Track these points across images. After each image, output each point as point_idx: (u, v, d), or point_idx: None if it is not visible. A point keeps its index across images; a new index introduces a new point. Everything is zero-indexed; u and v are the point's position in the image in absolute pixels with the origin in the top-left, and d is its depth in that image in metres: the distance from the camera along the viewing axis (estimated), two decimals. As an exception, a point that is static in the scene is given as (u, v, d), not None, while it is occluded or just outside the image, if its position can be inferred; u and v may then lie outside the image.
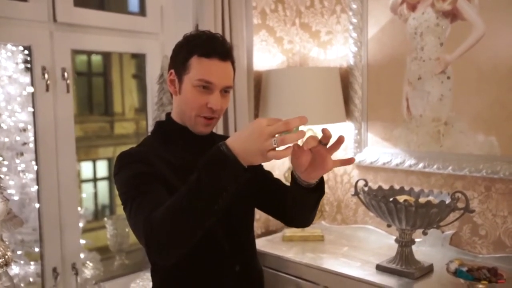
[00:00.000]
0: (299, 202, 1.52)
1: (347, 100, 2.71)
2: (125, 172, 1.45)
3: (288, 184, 1.60)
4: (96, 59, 4.51)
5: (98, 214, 4.28)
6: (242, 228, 1.65)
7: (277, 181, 1.74)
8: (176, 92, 1.58)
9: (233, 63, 1.58)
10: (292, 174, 1.45)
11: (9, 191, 2.41)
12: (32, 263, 2.54)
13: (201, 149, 1.59)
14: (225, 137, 1.82)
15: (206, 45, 1.51)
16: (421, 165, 2.41)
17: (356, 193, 2.22)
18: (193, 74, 1.51)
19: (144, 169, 1.44)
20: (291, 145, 1.23)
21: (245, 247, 1.66)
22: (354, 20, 2.65)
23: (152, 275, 1.64)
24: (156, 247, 1.26)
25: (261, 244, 2.50)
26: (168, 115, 1.66)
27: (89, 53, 4.12)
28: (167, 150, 1.56)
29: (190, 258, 1.41)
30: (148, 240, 1.25)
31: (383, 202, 2.03)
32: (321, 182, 1.45)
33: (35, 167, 2.22)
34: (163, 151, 1.55)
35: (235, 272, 1.58)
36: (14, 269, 2.38)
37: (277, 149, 1.17)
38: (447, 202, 2.00)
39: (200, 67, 1.50)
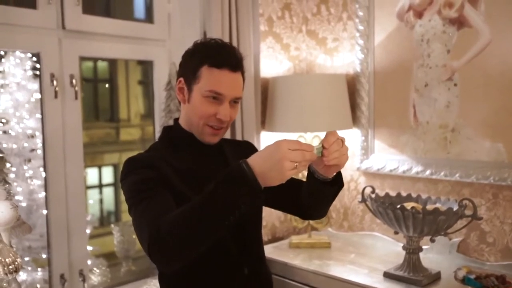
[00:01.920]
0: (317, 196, 1.54)
1: (354, 107, 2.71)
2: (132, 177, 1.46)
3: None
4: (102, 65, 4.53)
5: (104, 220, 4.29)
6: (250, 231, 1.65)
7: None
8: (185, 101, 1.57)
9: (243, 73, 1.58)
10: (309, 168, 1.47)
11: (16, 197, 2.43)
12: (39, 269, 2.55)
13: (209, 157, 1.60)
14: (233, 141, 1.82)
15: (217, 55, 1.50)
16: (428, 172, 2.41)
17: (363, 200, 2.22)
18: (203, 84, 1.50)
19: (151, 174, 1.45)
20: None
21: (253, 250, 1.65)
22: (361, 27, 2.66)
23: (160, 281, 1.64)
24: (158, 251, 1.26)
25: (268, 251, 2.48)
26: (176, 121, 1.65)
27: (95, 60, 4.14)
28: (174, 157, 1.56)
29: (198, 262, 1.41)
30: (151, 243, 1.25)
31: (390, 209, 2.03)
32: (339, 175, 1.48)
33: (43, 174, 2.23)
34: (170, 157, 1.54)
35: (244, 275, 1.58)
36: (22, 276, 2.39)
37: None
38: (454, 209, 1.99)
39: (210, 78, 1.50)
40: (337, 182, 1.49)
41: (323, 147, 1.32)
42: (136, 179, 1.45)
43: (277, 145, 1.20)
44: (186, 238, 1.24)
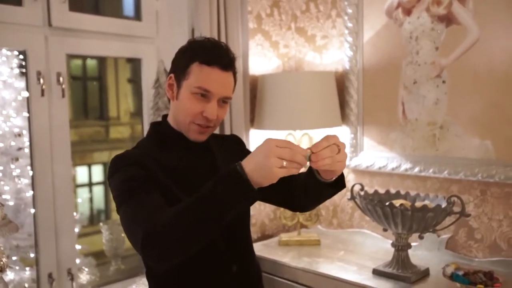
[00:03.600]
0: (315, 194, 1.54)
1: (343, 104, 2.71)
2: (119, 175, 1.45)
3: None
4: (91, 63, 4.50)
5: (94, 219, 4.27)
6: (238, 228, 1.64)
7: None
8: (174, 97, 1.56)
9: (234, 74, 1.57)
10: (310, 167, 1.46)
11: (4, 196, 2.40)
12: (27, 268, 2.53)
13: (196, 155, 1.59)
14: (221, 136, 1.81)
15: (208, 53, 1.49)
16: (417, 169, 2.42)
17: (352, 198, 2.22)
18: (192, 80, 1.49)
19: (138, 172, 1.44)
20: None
21: (242, 247, 1.65)
22: (350, 25, 2.66)
23: (147, 279, 1.63)
24: (152, 250, 1.26)
25: (257, 248, 2.47)
26: (165, 117, 1.64)
27: (84, 58, 4.12)
28: (162, 154, 1.55)
29: (185, 260, 1.41)
30: (145, 242, 1.25)
31: (379, 207, 2.03)
32: (341, 177, 1.45)
33: (30, 172, 2.21)
34: (158, 154, 1.54)
35: (232, 272, 1.57)
36: (9, 275, 2.37)
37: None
38: (443, 206, 2.00)
39: (199, 74, 1.49)
40: (338, 185, 1.46)
41: (311, 151, 1.27)
42: (123, 177, 1.44)
43: (265, 142, 1.21)
44: (181, 237, 1.25)
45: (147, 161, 1.48)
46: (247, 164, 1.22)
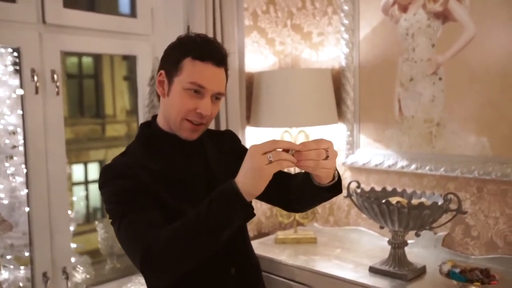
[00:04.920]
0: (310, 198, 1.52)
1: (339, 101, 2.70)
2: (109, 188, 1.42)
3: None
4: (87, 61, 4.50)
5: (90, 216, 4.26)
6: (236, 230, 1.62)
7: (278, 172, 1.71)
8: (164, 94, 1.51)
9: (226, 70, 1.54)
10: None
11: (-2, 195, 2.39)
12: (22, 267, 2.52)
13: (188, 155, 1.56)
14: (215, 133, 1.78)
15: (201, 48, 1.46)
16: (413, 166, 2.41)
17: (349, 195, 2.22)
18: (185, 76, 1.45)
19: (129, 185, 1.40)
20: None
21: (240, 248, 1.62)
22: (346, 21, 2.65)
23: (146, 283, 1.61)
24: (151, 267, 1.26)
25: (254, 247, 2.44)
26: (154, 118, 1.60)
27: (80, 55, 4.10)
28: (152, 159, 1.50)
29: None
30: (144, 260, 1.25)
31: (376, 204, 2.02)
32: (338, 181, 1.42)
33: (25, 171, 2.19)
34: (148, 160, 1.49)
35: (231, 275, 1.55)
36: (4, 274, 2.36)
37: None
38: (439, 203, 2.00)
39: (193, 70, 1.45)
40: (334, 189, 1.43)
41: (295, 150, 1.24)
42: (113, 190, 1.42)
43: (249, 149, 1.22)
44: (180, 254, 1.25)
45: (135, 170, 1.44)
46: (238, 176, 1.21)
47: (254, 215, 1.25)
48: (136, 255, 1.27)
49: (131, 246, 1.33)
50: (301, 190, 1.53)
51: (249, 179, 1.19)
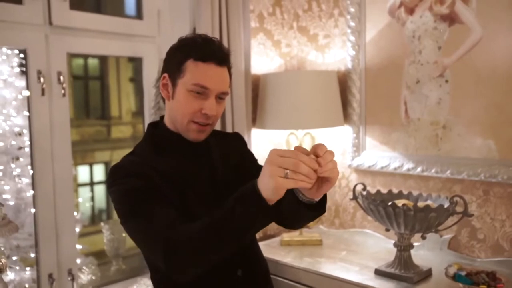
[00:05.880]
0: (296, 216, 1.45)
1: (345, 104, 2.70)
2: (120, 187, 1.42)
3: None
4: (93, 62, 4.50)
5: (95, 218, 4.27)
6: None
7: None
8: (169, 97, 1.52)
9: (229, 68, 1.54)
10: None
11: (4, 196, 2.40)
12: (27, 268, 2.52)
13: (196, 157, 1.56)
14: (222, 134, 1.78)
15: (203, 49, 1.47)
16: (419, 169, 2.40)
17: (355, 197, 2.21)
18: (188, 78, 1.46)
19: (139, 183, 1.41)
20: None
21: (247, 251, 1.62)
22: (352, 24, 2.64)
23: (152, 281, 1.61)
24: (175, 264, 1.27)
25: (258, 248, 2.48)
26: (162, 118, 1.61)
27: (85, 57, 4.11)
28: (160, 159, 1.51)
29: None
30: (167, 258, 1.26)
31: (382, 207, 2.02)
32: (323, 200, 1.36)
33: (31, 172, 2.20)
34: (156, 160, 1.50)
35: (238, 277, 1.55)
36: (10, 275, 2.37)
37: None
38: (445, 206, 1.99)
39: (195, 71, 1.46)
40: (319, 207, 1.36)
41: (316, 156, 1.17)
42: (124, 189, 1.41)
43: (269, 152, 1.17)
44: (203, 253, 1.25)
45: (143, 169, 1.44)
46: (259, 179, 1.17)
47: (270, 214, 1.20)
48: (157, 251, 1.27)
49: (149, 247, 1.33)
50: (287, 209, 1.42)
51: (264, 185, 1.15)
